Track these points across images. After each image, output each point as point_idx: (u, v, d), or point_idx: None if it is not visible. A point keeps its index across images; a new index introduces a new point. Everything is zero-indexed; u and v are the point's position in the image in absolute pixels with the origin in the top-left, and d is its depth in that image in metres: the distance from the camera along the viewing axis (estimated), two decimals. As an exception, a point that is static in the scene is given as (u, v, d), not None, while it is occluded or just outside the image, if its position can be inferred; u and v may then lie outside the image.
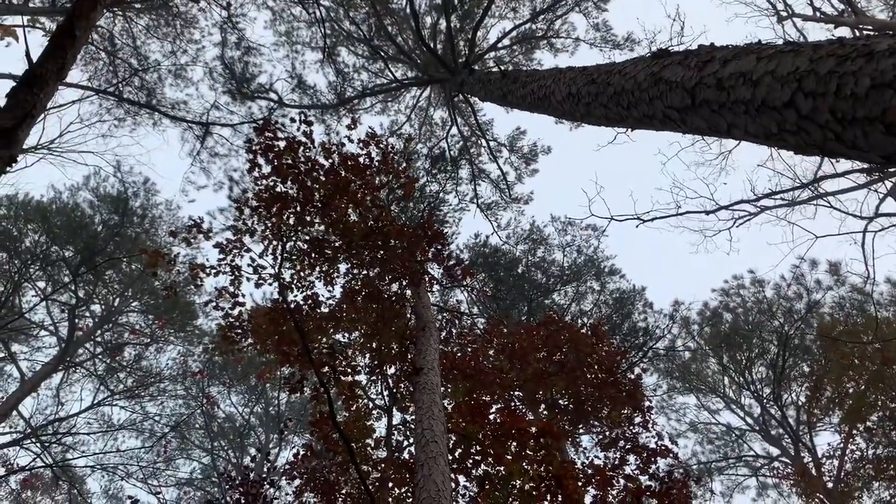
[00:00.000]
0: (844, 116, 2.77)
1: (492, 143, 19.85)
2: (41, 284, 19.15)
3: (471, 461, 9.74)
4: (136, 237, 18.78)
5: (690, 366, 21.90)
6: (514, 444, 9.00)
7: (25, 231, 18.00)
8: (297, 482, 13.86)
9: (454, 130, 19.53)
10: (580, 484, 9.29)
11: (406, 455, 12.70)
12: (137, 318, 22.00)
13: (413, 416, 10.02)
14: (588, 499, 10.24)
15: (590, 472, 10.69)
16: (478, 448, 9.30)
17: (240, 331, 14.33)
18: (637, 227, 11.81)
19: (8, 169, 2.69)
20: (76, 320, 19.50)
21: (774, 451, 20.85)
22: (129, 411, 19.83)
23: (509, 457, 9.17)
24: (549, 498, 8.49)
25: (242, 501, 11.52)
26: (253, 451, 22.71)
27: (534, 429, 8.96)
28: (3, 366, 20.30)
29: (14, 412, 17.84)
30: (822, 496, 17.72)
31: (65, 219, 17.99)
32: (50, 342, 20.56)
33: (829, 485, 17.85)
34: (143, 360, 20.95)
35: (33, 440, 16.12)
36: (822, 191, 12.85)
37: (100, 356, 20.15)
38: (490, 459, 9.44)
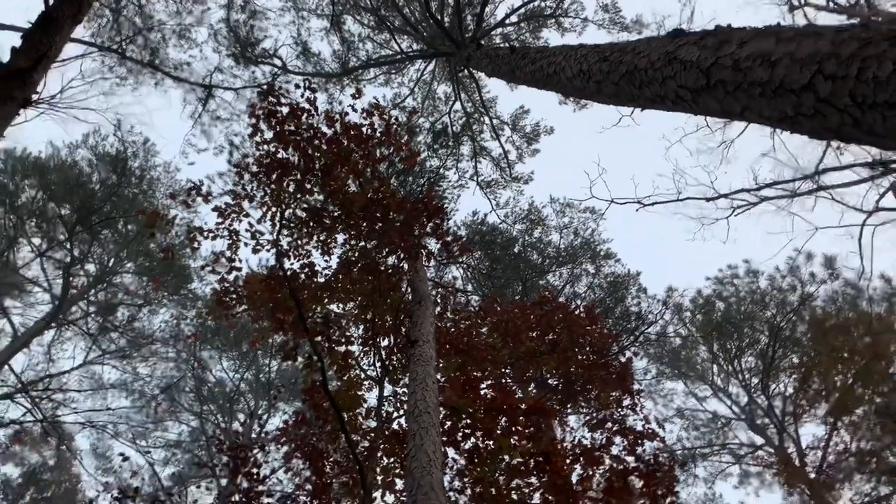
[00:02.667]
0: (864, 100, 2.75)
1: (494, 121, 19.78)
2: (36, 241, 19.09)
3: (460, 434, 9.82)
4: (133, 198, 18.69)
5: (680, 352, 22.04)
6: (505, 419, 9.06)
7: (22, 186, 17.90)
8: (285, 448, 13.96)
9: (457, 106, 19.43)
10: (568, 462, 9.38)
11: (396, 426, 12.78)
12: (132, 279, 21.97)
13: (406, 388, 10.08)
14: (575, 477, 10.36)
15: (577, 451, 10.78)
16: (468, 422, 9.36)
17: (235, 296, 14.33)
18: (637, 210, 11.82)
19: (22, 110, 2.65)
20: (70, 279, 19.48)
21: (759, 440, 21.06)
22: (121, 371, 19.89)
23: (499, 432, 9.24)
24: (536, 473, 8.57)
25: (231, 465, 11.59)
26: (242, 416, 22.84)
27: (524, 405, 9.02)
28: (-5, 321, 20.26)
29: (5, 367, 17.86)
30: (804, 486, 17.95)
31: (62, 176, 17.88)
32: (43, 299, 20.54)
33: (812, 475, 18.08)
34: (135, 321, 20.95)
35: (23, 395, 16.16)
36: (824, 183, 12.85)
37: (92, 315, 20.14)
38: (480, 433, 9.51)
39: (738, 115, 4.03)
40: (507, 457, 9.00)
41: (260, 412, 22.80)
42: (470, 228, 20.44)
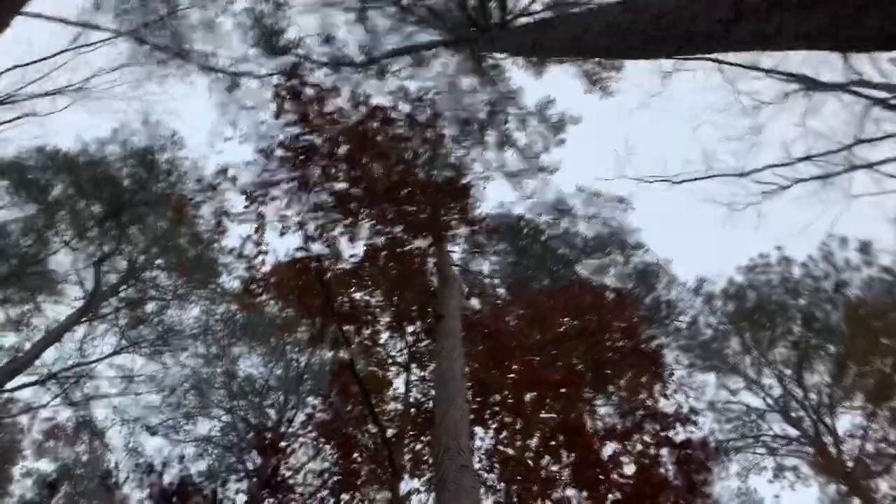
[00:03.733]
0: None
1: (520, 111, 19.65)
2: (67, 237, 19.36)
3: (488, 413, 9.71)
4: (161, 193, 18.89)
5: (711, 344, 21.67)
6: (534, 394, 8.93)
7: (53, 183, 18.17)
8: (313, 434, 13.96)
9: (482, 96, 19.34)
10: (598, 440, 9.22)
11: (425, 410, 12.71)
12: (161, 276, 22.19)
13: (433, 366, 10.00)
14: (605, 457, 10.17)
15: (607, 433, 10.62)
16: (497, 398, 9.25)
17: (262, 284, 14.38)
18: (669, 188, 11.63)
19: None
20: (101, 274, 19.74)
21: (794, 433, 20.62)
22: (151, 363, 20.10)
23: (528, 409, 9.11)
24: (567, 449, 8.43)
25: (263, 449, 11.64)
26: (271, 412, 22.89)
27: (553, 379, 8.88)
28: (29, 316, 20.57)
29: (37, 361, 18.12)
30: (841, 478, 17.53)
31: (92, 172, 18.12)
32: (75, 294, 20.82)
33: (850, 466, 17.65)
34: (164, 316, 21.15)
35: (54, 382, 16.39)
36: (859, 161, 12.53)
37: (122, 310, 20.38)
38: (508, 412, 9.40)
39: (772, 39, 3.90)
40: (536, 435, 8.86)
41: (289, 407, 22.84)
42: (496, 220, 20.31)
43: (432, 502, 12.11)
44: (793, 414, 20.47)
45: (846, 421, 18.64)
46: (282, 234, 11.57)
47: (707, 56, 14.34)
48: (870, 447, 17.57)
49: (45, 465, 21.74)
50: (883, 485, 18.37)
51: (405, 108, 12.47)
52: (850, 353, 17.92)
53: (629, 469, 9.61)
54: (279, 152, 11.62)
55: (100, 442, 20.86)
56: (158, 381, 21.80)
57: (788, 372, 20.48)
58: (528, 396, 8.96)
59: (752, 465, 21.73)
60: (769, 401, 21.19)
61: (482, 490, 10.31)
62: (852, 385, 18.19)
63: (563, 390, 8.59)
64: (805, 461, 20.16)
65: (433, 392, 10.61)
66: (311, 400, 22.92)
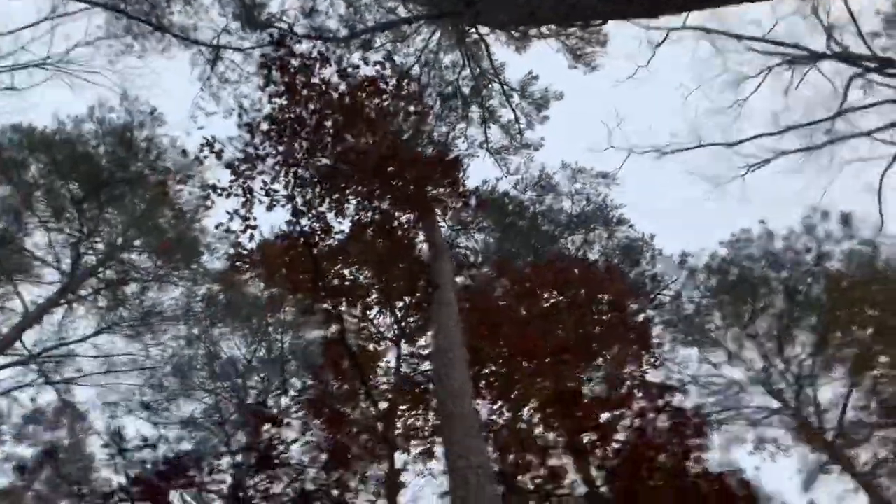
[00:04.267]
0: None
1: (504, 87, 19.56)
2: (44, 217, 18.98)
3: (483, 383, 9.70)
4: (140, 171, 18.55)
5: (694, 318, 21.87)
6: (529, 362, 8.93)
7: (30, 161, 17.76)
8: (302, 412, 13.88)
9: (465, 72, 19.22)
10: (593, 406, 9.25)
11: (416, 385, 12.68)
12: (141, 257, 21.86)
13: (431, 334, 9.90)
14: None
15: (599, 402, 10.66)
16: (492, 368, 9.23)
17: (249, 261, 14.20)
18: (658, 158, 11.64)
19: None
20: (80, 255, 19.41)
21: (775, 405, 20.90)
22: (131, 343, 19.86)
23: (524, 377, 9.11)
24: (562, 416, 8.44)
25: (255, 424, 11.55)
26: (255, 393, 22.73)
27: (549, 348, 8.88)
28: (5, 299, 20.17)
29: (16, 343, 17.79)
30: (822, 447, 17.84)
31: (69, 150, 17.73)
32: (52, 277, 20.44)
33: (830, 436, 17.97)
34: (145, 298, 20.86)
35: (34, 364, 16.12)
36: (841, 133, 12.66)
37: (102, 292, 20.07)
38: (502, 381, 9.39)
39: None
40: (533, 402, 8.87)
41: (273, 388, 22.70)
42: (481, 197, 20.25)
43: (427, 472, 12.15)
44: (775, 386, 20.75)
45: (827, 392, 18.94)
46: (269, 208, 11.41)
47: (697, 27, 14.38)
48: (850, 417, 17.87)
49: (26, 450, 21.45)
50: (863, 454, 18.76)
51: (391, 81, 12.29)
52: (831, 324, 18.16)
53: (623, 437, 9.68)
54: (265, 126, 11.43)
55: (81, 425, 20.60)
56: (140, 363, 21.56)
57: (770, 345, 20.73)
58: (522, 364, 8.95)
59: (733, 437, 22.03)
60: (751, 374, 21.45)
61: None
62: (833, 356, 18.46)
63: (560, 357, 8.58)
64: (786, 432, 20.49)
65: (429, 363, 10.58)
66: (295, 382, 22.83)
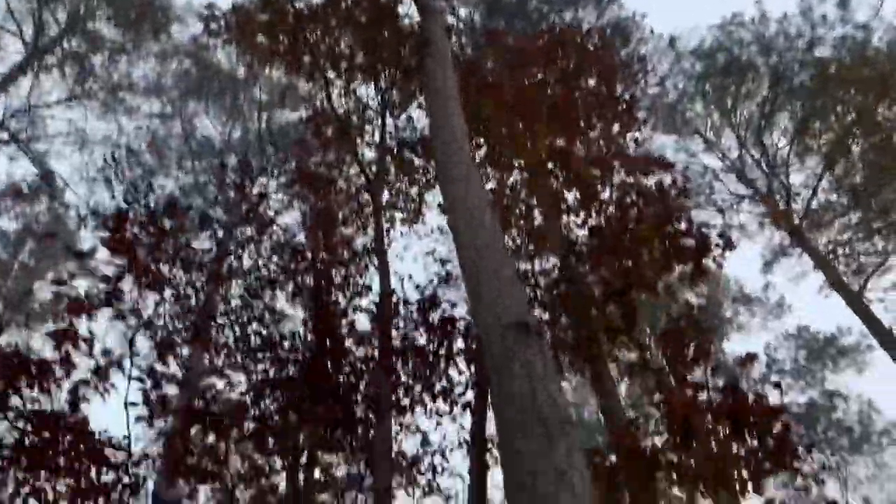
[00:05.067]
0: None
1: None
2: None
3: (475, 143, 9.65)
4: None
5: (676, 105, 21.75)
6: (524, 120, 8.82)
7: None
8: (286, 179, 13.87)
9: None
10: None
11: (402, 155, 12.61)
12: (107, 28, 20.66)
13: (424, 96, 9.59)
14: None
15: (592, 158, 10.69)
16: (485, 127, 9.14)
17: (225, 25, 13.50)
18: None
19: None
20: (42, 25, 18.34)
21: (747, 192, 21.46)
22: (103, 120, 19.34)
23: (519, 138, 9.05)
24: (557, 170, 8.50)
25: (239, 184, 11.50)
26: (234, 175, 22.59)
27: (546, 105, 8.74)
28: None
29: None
30: (789, 228, 18.56)
31: None
32: (15, 48, 19.36)
33: (798, 219, 18.65)
34: (113, 69, 19.99)
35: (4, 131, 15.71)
36: None
37: (67, 62, 19.17)
38: (498, 139, 9.33)
39: None
40: (525, 158, 8.87)
41: (252, 171, 22.57)
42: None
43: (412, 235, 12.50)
44: (749, 176, 21.18)
45: (800, 176, 19.38)
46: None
47: None
48: (818, 202, 18.45)
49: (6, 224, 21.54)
50: (824, 237, 19.65)
51: None
52: (813, 111, 18.15)
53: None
54: None
55: (59, 200, 20.58)
56: (114, 140, 21.16)
57: (748, 135, 20.88)
58: (517, 121, 8.84)
59: (702, 224, 22.78)
60: (727, 162, 21.79)
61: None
62: (810, 143, 18.65)
63: (554, 117, 8.48)
64: (754, 218, 21.26)
65: (426, 118, 10.40)
66: (276, 161, 22.68)
